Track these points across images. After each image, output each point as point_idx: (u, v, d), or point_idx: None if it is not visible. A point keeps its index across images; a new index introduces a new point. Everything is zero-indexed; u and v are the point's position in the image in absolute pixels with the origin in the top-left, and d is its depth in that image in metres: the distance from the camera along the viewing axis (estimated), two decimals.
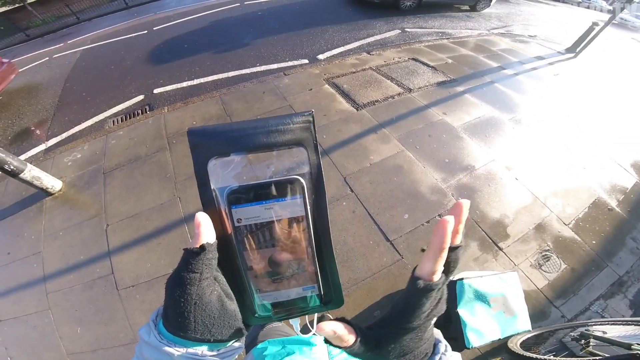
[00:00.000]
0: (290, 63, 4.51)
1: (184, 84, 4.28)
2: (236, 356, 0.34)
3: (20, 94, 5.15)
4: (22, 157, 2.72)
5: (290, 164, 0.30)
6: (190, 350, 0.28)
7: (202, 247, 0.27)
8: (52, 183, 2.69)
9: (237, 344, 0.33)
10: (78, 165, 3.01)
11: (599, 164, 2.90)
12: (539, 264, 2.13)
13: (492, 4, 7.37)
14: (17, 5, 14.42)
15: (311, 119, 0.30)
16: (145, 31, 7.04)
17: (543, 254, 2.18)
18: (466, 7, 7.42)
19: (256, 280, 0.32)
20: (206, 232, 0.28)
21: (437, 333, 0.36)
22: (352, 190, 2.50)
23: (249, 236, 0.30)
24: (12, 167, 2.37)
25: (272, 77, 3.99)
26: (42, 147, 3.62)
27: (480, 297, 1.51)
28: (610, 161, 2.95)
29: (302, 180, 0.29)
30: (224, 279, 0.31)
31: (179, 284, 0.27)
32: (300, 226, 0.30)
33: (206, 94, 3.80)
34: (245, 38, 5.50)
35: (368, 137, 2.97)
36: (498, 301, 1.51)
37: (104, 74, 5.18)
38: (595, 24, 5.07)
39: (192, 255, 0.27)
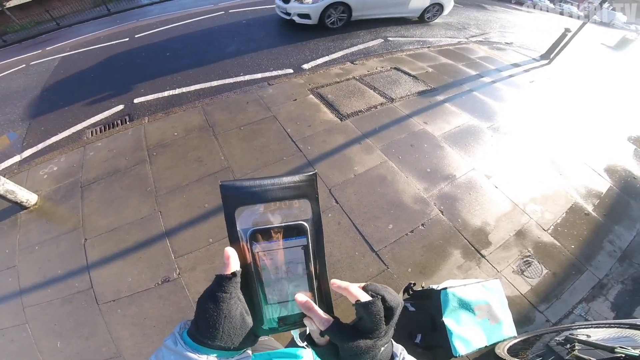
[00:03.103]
0: (274, 72, 4.50)
1: (166, 94, 4.20)
2: None
3: None
4: None
5: (297, 212, 0.39)
6: (211, 357, 0.35)
7: (233, 274, 0.36)
8: (27, 197, 2.60)
9: (248, 352, 0.41)
10: (54, 178, 2.90)
11: (574, 170, 3.02)
12: (521, 269, 2.18)
13: (443, 14, 7.31)
14: None
15: (314, 178, 0.39)
16: (127, 39, 6.88)
17: (525, 259, 2.23)
18: (415, 19, 7.17)
19: (267, 296, 0.40)
20: (234, 262, 0.37)
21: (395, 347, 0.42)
22: (337, 202, 2.51)
23: (264, 264, 0.39)
24: None
25: (256, 87, 3.97)
26: (16, 158, 3.45)
27: (465, 305, 1.53)
28: (585, 167, 3.08)
29: (305, 224, 0.39)
30: (244, 298, 0.39)
31: (213, 301, 0.35)
32: (303, 256, 0.40)
33: (188, 104, 3.74)
34: (229, 47, 5.47)
35: (352, 147, 2.99)
36: (482, 309, 1.53)
37: (83, 82, 5.01)
38: (567, 30, 5.34)
39: (224, 279, 0.36)
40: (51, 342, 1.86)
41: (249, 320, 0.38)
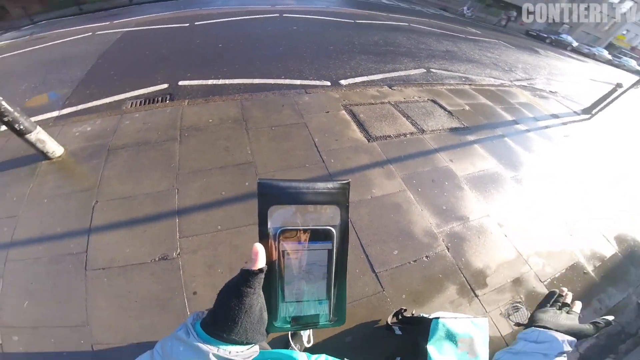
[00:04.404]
0: (313, 82, 4.66)
1: (209, 82, 4.45)
2: (253, 357, 0.41)
3: (52, 61, 5.39)
4: (33, 119, 2.69)
5: (326, 217, 0.41)
6: (222, 348, 0.36)
7: (260, 270, 0.37)
8: (54, 148, 2.66)
9: (255, 348, 0.41)
10: (85, 138, 3.02)
11: (585, 233, 2.95)
12: (508, 313, 2.19)
13: None
14: None
15: (347, 187, 0.41)
16: (187, 24, 7.38)
17: (514, 305, 2.24)
18: None
19: (286, 294, 0.42)
20: (262, 259, 0.38)
21: None
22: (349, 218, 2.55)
23: (288, 263, 0.40)
24: (21, 127, 2.35)
25: (293, 92, 4.12)
26: (55, 113, 3.66)
27: (450, 336, 1.56)
28: (596, 232, 3.00)
29: (333, 230, 0.40)
30: (263, 294, 0.40)
31: (237, 295, 0.36)
32: (326, 260, 0.41)
33: (228, 96, 3.94)
34: (277, 49, 5.74)
35: (374, 170, 3.02)
36: (465, 342, 1.55)
37: (137, 57, 5.40)
38: (619, 85, 5.05)
39: (251, 275, 0.37)
40: (19, 300, 1.80)
41: (266, 316, 0.40)
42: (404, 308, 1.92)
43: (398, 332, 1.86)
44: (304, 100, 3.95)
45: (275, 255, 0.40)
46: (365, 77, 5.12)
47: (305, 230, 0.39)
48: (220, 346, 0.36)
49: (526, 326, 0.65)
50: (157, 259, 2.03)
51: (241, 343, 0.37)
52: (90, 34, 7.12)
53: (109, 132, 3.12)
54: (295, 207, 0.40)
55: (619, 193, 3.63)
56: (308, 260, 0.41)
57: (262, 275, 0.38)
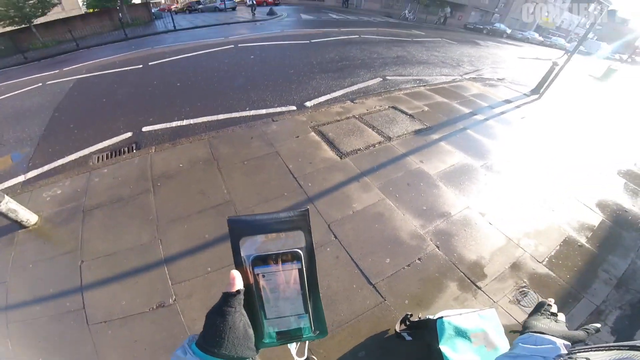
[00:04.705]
0: (278, 109, 4.75)
1: (174, 124, 4.39)
2: None
3: (6, 118, 5.07)
4: None
5: (292, 242, 0.46)
6: None
7: (238, 291, 0.42)
8: (28, 217, 2.63)
9: None
10: (57, 202, 2.94)
11: (566, 205, 3.11)
12: (517, 299, 2.20)
13: None
14: (23, 26, 14.51)
15: (306, 213, 0.46)
16: (141, 65, 7.27)
17: (520, 290, 2.26)
18: None
19: (267, 312, 0.47)
20: (239, 282, 0.43)
21: None
22: (335, 237, 2.57)
23: (264, 284, 0.45)
24: None
25: (260, 122, 4.17)
26: (20, 178, 3.52)
27: (461, 333, 1.54)
28: (576, 202, 3.18)
29: (300, 251, 0.45)
30: (246, 313, 0.44)
31: (220, 314, 0.41)
32: (298, 278, 0.46)
33: (195, 136, 3.91)
34: (237, 81, 5.80)
35: (351, 185, 3.10)
36: (479, 336, 1.54)
37: (95, 106, 5.23)
38: (555, 63, 5.63)
39: (230, 296, 0.42)
40: (33, 357, 1.83)
41: (251, 332, 0.44)
42: (410, 313, 1.92)
43: (408, 337, 1.85)
44: (272, 129, 4.00)
45: (251, 279, 0.45)
46: (328, 95, 5.31)
47: (276, 255, 0.45)
48: None
49: (521, 332, 0.70)
50: (154, 307, 2.04)
51: (233, 357, 0.41)
52: (40, 84, 6.80)
53: (80, 193, 3.03)
54: (264, 236, 0.45)
55: (584, 161, 3.94)
56: (282, 280, 0.46)
57: (241, 296, 0.43)
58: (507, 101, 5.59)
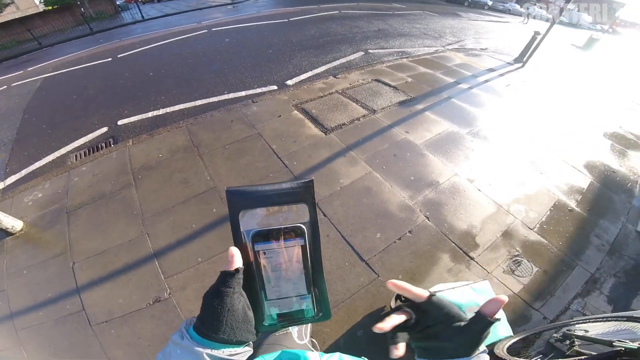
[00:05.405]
0: (258, 90, 4.57)
1: (150, 114, 4.19)
2: (245, 358, 0.42)
3: None
4: None
5: (295, 216, 0.42)
6: (215, 350, 0.37)
7: (237, 270, 0.39)
8: (13, 223, 2.60)
9: (247, 348, 0.43)
10: (39, 205, 2.86)
11: (554, 168, 3.13)
12: (511, 269, 2.19)
13: None
14: None
15: (311, 184, 0.42)
16: (110, 59, 6.88)
17: (514, 259, 2.25)
18: None
19: (267, 293, 0.43)
20: (238, 260, 0.40)
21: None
22: (324, 215, 2.54)
23: (265, 263, 0.42)
24: None
25: (240, 105, 4.02)
26: None
27: None
28: (564, 164, 3.20)
29: (303, 227, 0.41)
30: (245, 294, 0.41)
31: (218, 296, 0.38)
32: (301, 256, 0.43)
33: (172, 124, 3.75)
34: (213, 65, 5.54)
35: (337, 160, 3.05)
36: (474, 310, 1.57)
37: (66, 104, 4.96)
38: (537, 33, 5.61)
39: (228, 275, 0.38)
40: None
41: (251, 314, 0.41)
42: None
43: None
44: (252, 110, 3.87)
45: (251, 256, 0.41)
46: (310, 72, 5.13)
47: (277, 230, 0.41)
48: (214, 348, 0.37)
49: None
50: (151, 303, 2.04)
51: (232, 342, 0.38)
52: (5, 87, 6.41)
53: (62, 194, 2.94)
54: (265, 210, 0.41)
55: (570, 125, 3.97)
56: (284, 258, 0.42)
57: (240, 275, 0.39)
58: (491, 70, 5.55)
